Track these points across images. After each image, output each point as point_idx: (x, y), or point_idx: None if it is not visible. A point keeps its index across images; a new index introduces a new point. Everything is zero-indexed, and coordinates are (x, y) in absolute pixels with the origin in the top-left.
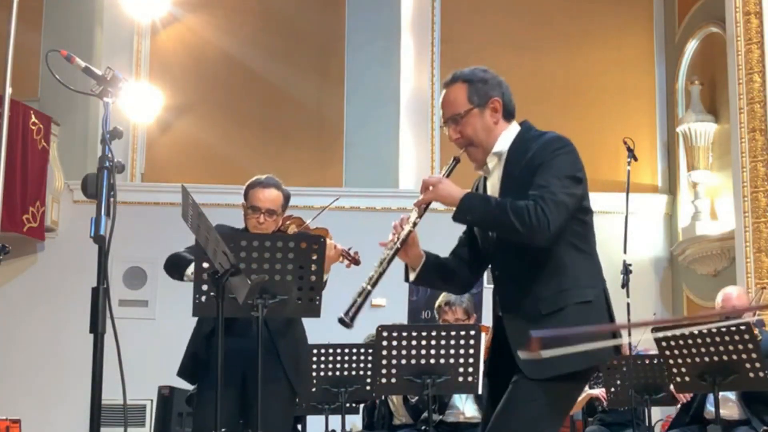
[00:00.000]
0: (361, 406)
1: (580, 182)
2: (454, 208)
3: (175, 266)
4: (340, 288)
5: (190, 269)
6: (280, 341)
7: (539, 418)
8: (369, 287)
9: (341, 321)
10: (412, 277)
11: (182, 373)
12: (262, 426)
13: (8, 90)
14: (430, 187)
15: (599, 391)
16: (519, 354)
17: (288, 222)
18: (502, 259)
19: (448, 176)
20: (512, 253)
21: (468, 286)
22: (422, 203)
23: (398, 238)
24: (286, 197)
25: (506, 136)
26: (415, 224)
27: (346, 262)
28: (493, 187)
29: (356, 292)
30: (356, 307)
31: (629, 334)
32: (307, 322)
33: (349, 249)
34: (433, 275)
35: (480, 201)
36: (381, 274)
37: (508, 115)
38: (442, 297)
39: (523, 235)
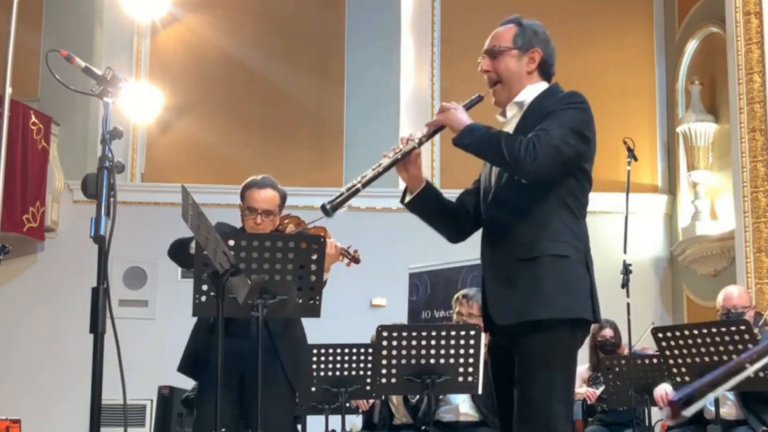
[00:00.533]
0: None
1: (586, 140)
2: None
3: (179, 246)
4: (340, 288)
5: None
6: (279, 342)
7: (554, 369)
8: (359, 185)
9: (323, 207)
10: (407, 198)
11: (183, 368)
12: (263, 427)
13: (8, 90)
14: (446, 111)
15: (585, 390)
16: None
17: (286, 221)
18: (494, 203)
19: (467, 109)
20: (503, 199)
21: (460, 234)
22: (433, 124)
23: (400, 150)
24: (283, 197)
25: (533, 89)
26: (421, 142)
27: (346, 260)
28: None
29: (346, 186)
30: (341, 200)
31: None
32: (307, 322)
33: (349, 247)
34: (429, 205)
35: (480, 129)
36: (374, 177)
37: (544, 72)
38: (463, 290)
39: (509, 164)
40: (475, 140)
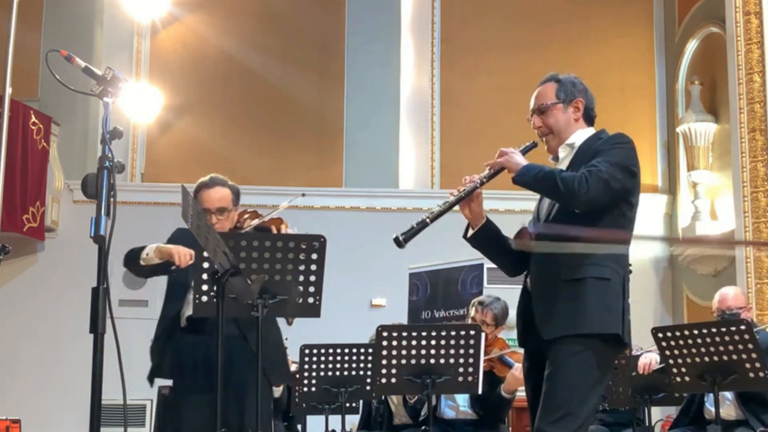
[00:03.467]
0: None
1: (633, 175)
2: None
3: (131, 256)
4: (340, 288)
5: (146, 250)
6: (250, 337)
7: (584, 372)
8: (428, 220)
9: (396, 240)
10: (469, 233)
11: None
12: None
13: (8, 90)
14: (505, 156)
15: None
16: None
17: (245, 216)
18: (545, 228)
19: (523, 154)
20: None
21: (518, 269)
22: (493, 165)
23: (464, 189)
24: (235, 192)
25: (582, 133)
26: (482, 182)
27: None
28: None
29: (416, 220)
30: (412, 233)
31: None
32: (308, 322)
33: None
34: (489, 240)
35: (536, 168)
36: (441, 213)
37: (588, 118)
38: (480, 297)
39: (563, 195)
40: (532, 178)
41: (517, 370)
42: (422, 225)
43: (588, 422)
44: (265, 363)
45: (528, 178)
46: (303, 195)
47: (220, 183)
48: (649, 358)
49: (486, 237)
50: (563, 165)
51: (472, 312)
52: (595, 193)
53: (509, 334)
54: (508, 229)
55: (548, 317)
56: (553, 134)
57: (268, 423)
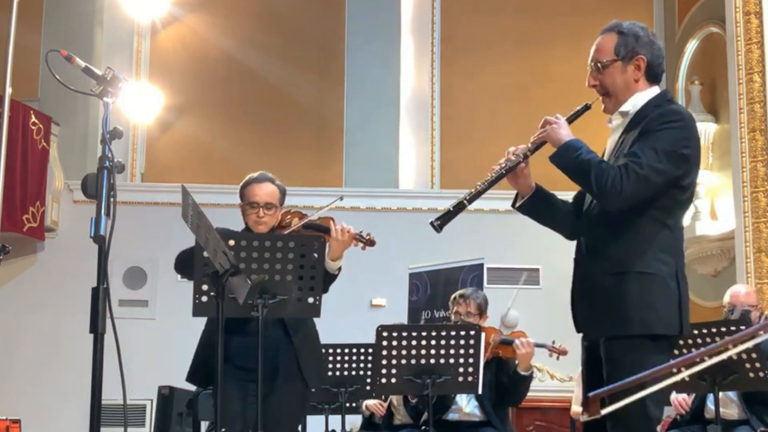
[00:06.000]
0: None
1: (682, 160)
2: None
3: (187, 259)
4: (340, 288)
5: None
6: (295, 337)
7: (637, 369)
8: (465, 201)
9: (432, 224)
10: (518, 203)
11: (193, 377)
12: (272, 423)
13: (8, 90)
14: (548, 126)
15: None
16: (581, 416)
17: (288, 216)
18: (588, 218)
19: (572, 120)
20: (596, 215)
21: (573, 233)
22: (536, 140)
23: (505, 165)
24: (282, 191)
25: (640, 96)
26: (525, 156)
27: (360, 245)
28: (609, 148)
29: (452, 203)
30: (448, 216)
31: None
32: None
33: (361, 231)
34: (540, 205)
35: (576, 151)
36: (480, 192)
37: (652, 77)
38: (459, 291)
39: (595, 194)
40: (569, 162)
41: (521, 345)
42: (460, 207)
43: (658, 409)
44: (305, 367)
45: (564, 161)
46: (341, 198)
47: (269, 179)
48: (683, 397)
49: (536, 205)
50: (615, 135)
51: (455, 307)
52: (630, 194)
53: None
54: (519, 230)
55: (590, 317)
56: (610, 96)
57: (299, 420)
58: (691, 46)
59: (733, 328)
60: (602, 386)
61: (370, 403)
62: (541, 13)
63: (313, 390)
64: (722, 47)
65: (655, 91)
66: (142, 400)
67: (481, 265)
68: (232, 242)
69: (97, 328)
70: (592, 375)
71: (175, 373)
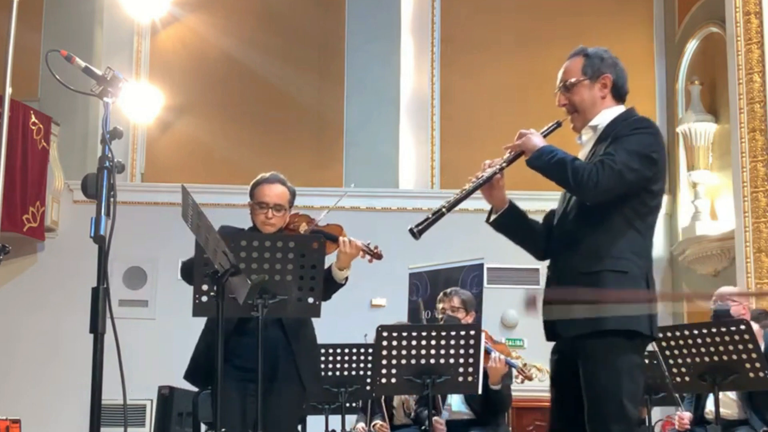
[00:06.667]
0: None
1: (652, 163)
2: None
3: (191, 267)
4: (341, 290)
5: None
6: (293, 340)
7: (615, 370)
8: (444, 209)
9: (411, 231)
10: (492, 218)
11: (190, 376)
12: (271, 422)
13: (8, 90)
14: (523, 138)
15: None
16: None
17: (296, 219)
18: (564, 220)
19: (545, 135)
20: (573, 216)
21: (546, 253)
22: (512, 149)
23: (482, 176)
24: (292, 193)
25: (607, 113)
26: (501, 167)
27: (368, 257)
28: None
29: (432, 211)
30: (427, 223)
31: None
32: None
33: (368, 244)
34: (513, 222)
35: (550, 153)
36: (458, 201)
37: (618, 96)
38: (444, 290)
39: (572, 188)
40: (543, 163)
41: (495, 360)
42: (439, 215)
43: (637, 410)
44: (302, 369)
45: (540, 163)
46: (353, 185)
47: (280, 181)
48: (685, 417)
49: (510, 221)
50: (586, 149)
51: (441, 305)
52: (606, 186)
53: (510, 333)
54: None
55: (566, 317)
56: (579, 113)
57: (297, 422)
58: (691, 46)
59: (733, 329)
60: (572, 401)
61: (377, 424)
62: (541, 12)
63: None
64: (722, 47)
65: (621, 108)
66: (142, 400)
67: (481, 265)
68: (243, 242)
69: (97, 328)
70: (562, 391)
71: (175, 373)
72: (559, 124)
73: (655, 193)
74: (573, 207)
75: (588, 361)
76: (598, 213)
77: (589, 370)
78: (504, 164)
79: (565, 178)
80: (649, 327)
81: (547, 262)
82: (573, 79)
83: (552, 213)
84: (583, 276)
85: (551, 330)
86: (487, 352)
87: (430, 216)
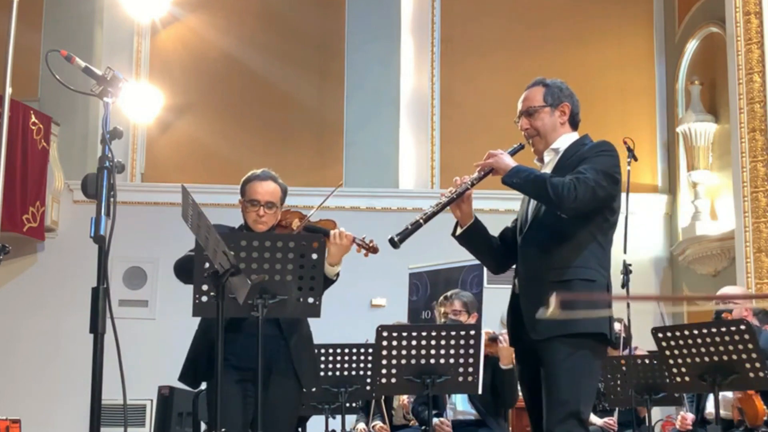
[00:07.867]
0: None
1: (615, 182)
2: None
3: (185, 264)
4: (340, 288)
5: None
6: (290, 338)
7: (580, 371)
8: (421, 221)
9: (391, 240)
10: (458, 231)
11: (184, 377)
12: (269, 422)
13: (8, 90)
14: (492, 158)
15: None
16: (539, 312)
17: (288, 216)
18: (532, 233)
19: (511, 155)
20: (541, 229)
21: (502, 266)
22: (483, 167)
23: (455, 191)
24: (284, 190)
25: (567, 138)
26: (473, 183)
27: (363, 251)
28: None
29: (410, 221)
30: (406, 233)
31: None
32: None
33: (363, 237)
34: (477, 238)
35: (526, 170)
36: (435, 213)
37: (573, 123)
38: (444, 295)
39: (552, 201)
40: (522, 180)
41: (504, 339)
42: (416, 226)
43: (589, 415)
44: (299, 366)
45: (518, 180)
46: (340, 185)
47: (272, 178)
48: (688, 419)
49: (474, 236)
50: (547, 169)
51: (442, 309)
52: (583, 200)
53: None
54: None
55: (537, 319)
56: (540, 136)
57: (294, 421)
58: (691, 46)
59: (733, 329)
60: (539, 389)
61: (377, 425)
62: (541, 14)
63: (313, 390)
64: (722, 47)
65: (576, 134)
66: (142, 400)
67: (481, 265)
68: (243, 242)
69: (97, 328)
70: (532, 379)
71: (175, 373)
72: (522, 146)
73: (614, 209)
74: (539, 222)
75: (551, 364)
76: (565, 227)
77: (550, 372)
78: (475, 180)
79: (545, 193)
80: (609, 331)
81: None
82: (536, 105)
83: (508, 230)
84: (554, 284)
85: (514, 334)
86: (494, 340)
87: (408, 226)
